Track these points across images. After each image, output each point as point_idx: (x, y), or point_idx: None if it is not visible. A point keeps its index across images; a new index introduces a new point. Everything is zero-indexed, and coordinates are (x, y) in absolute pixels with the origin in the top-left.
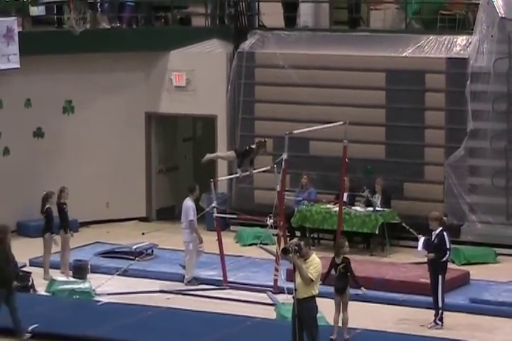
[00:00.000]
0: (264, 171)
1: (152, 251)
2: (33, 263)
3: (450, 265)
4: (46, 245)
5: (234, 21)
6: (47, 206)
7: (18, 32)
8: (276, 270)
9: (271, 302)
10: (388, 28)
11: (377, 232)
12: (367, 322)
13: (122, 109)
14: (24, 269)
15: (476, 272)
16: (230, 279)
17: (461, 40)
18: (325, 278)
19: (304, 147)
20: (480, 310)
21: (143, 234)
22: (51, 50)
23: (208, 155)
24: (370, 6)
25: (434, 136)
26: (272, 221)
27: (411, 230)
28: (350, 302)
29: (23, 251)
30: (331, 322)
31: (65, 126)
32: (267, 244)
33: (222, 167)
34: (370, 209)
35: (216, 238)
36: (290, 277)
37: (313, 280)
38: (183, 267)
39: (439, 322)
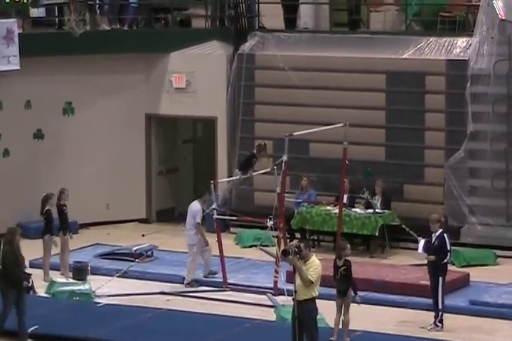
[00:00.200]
0: (264, 173)
1: (152, 253)
2: (33, 265)
3: (450, 267)
4: (46, 247)
5: (234, 23)
6: (47, 207)
7: (18, 33)
8: (276, 272)
9: (271, 304)
10: (388, 29)
11: (377, 234)
12: (367, 324)
13: (122, 110)
14: (24, 271)
15: (475, 274)
16: (229, 281)
17: (461, 42)
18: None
19: (304, 149)
20: (480, 312)
21: (143, 235)
22: (51, 52)
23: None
24: (370, 8)
25: (434, 138)
26: (271, 223)
27: (411, 232)
28: (350, 305)
29: (23, 252)
30: (331, 324)
31: (65, 128)
32: (266, 246)
33: (222, 168)
34: (370, 211)
35: (216, 240)
36: (290, 279)
37: (313, 282)
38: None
39: (439, 324)
